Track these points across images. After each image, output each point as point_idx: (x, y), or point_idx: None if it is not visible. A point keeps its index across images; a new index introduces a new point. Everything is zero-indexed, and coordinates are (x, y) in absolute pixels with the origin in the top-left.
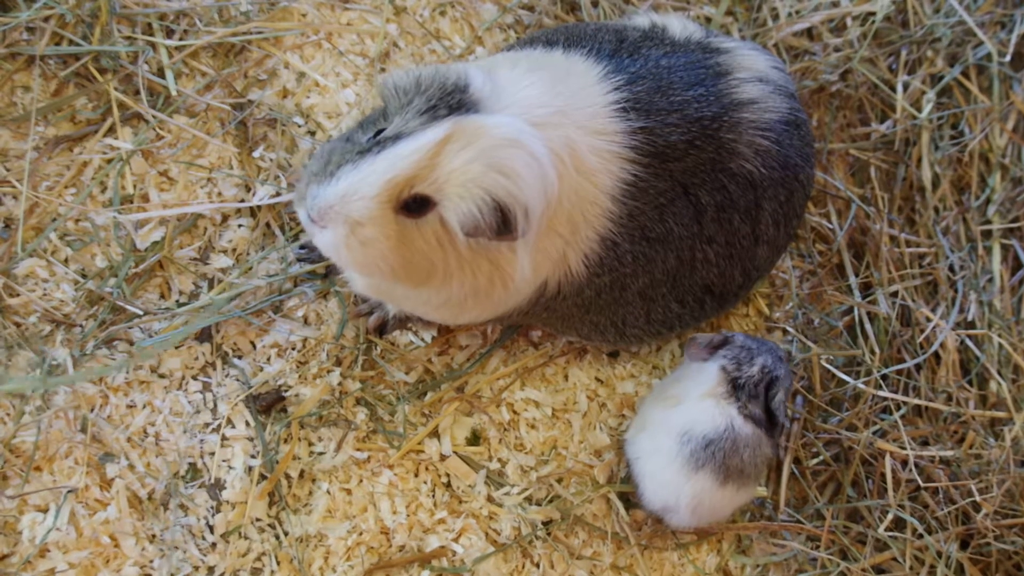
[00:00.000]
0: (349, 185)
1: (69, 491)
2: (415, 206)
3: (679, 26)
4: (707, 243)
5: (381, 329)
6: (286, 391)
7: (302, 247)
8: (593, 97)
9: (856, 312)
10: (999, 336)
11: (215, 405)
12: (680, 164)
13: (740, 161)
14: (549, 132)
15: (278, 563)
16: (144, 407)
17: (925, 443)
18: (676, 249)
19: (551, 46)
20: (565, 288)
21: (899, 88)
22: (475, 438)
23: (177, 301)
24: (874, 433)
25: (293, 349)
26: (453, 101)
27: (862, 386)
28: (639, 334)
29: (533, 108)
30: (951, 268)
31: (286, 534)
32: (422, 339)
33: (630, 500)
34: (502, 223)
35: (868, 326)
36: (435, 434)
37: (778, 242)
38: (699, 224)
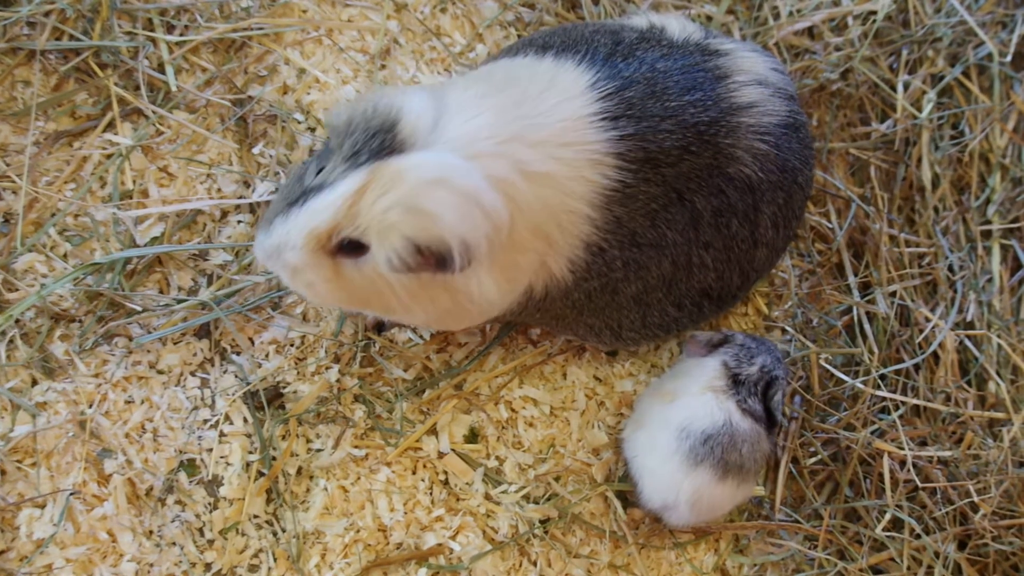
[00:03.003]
0: (280, 237)
1: (71, 494)
2: (350, 248)
3: (678, 27)
4: (704, 248)
5: (379, 326)
6: (284, 388)
7: None
8: (569, 110)
9: (855, 312)
10: (998, 337)
11: (213, 401)
12: (674, 169)
13: (738, 166)
14: (490, 161)
15: (275, 560)
16: (142, 403)
17: (923, 443)
18: (671, 255)
19: (544, 51)
20: (552, 291)
21: (900, 88)
22: (473, 436)
23: (175, 297)
24: (872, 433)
25: (291, 346)
26: (375, 144)
27: (860, 386)
28: (635, 337)
29: (475, 141)
30: (950, 268)
31: (283, 531)
32: (420, 336)
33: (628, 499)
34: (435, 261)
35: (867, 326)
36: (433, 432)
37: (777, 244)
38: (695, 229)
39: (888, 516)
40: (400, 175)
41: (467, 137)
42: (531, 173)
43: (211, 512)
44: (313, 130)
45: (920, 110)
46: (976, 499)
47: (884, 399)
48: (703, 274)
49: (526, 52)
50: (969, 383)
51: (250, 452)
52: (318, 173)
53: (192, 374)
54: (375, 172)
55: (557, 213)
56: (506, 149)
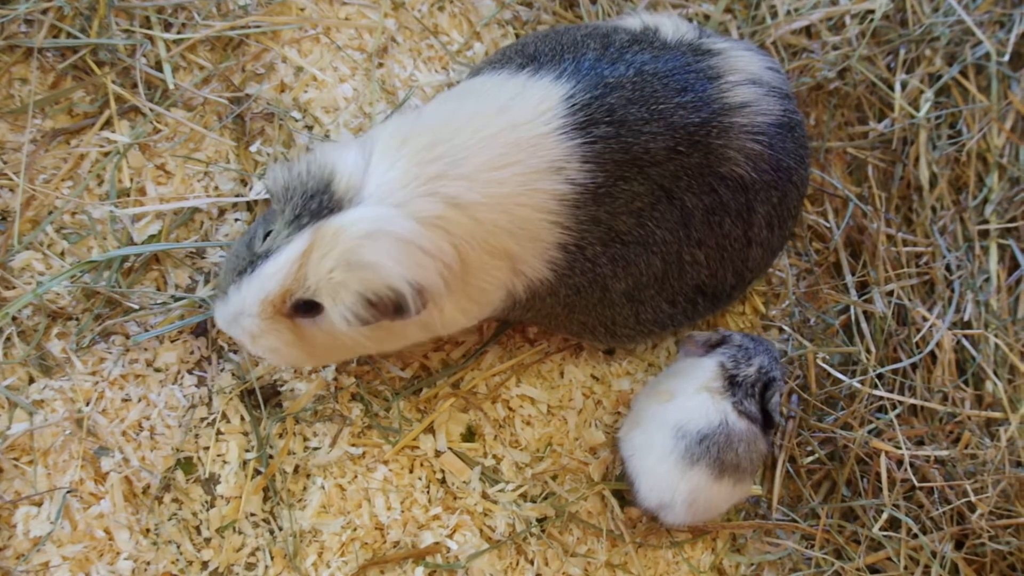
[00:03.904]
0: (235, 306)
1: (68, 492)
2: (306, 308)
3: (671, 27)
4: (696, 246)
5: None
6: (281, 386)
7: None
8: (511, 136)
9: (852, 311)
10: (995, 336)
11: (210, 399)
12: (660, 169)
13: (730, 166)
14: (417, 205)
15: (272, 558)
16: (139, 401)
17: (920, 443)
18: (661, 252)
19: (524, 66)
20: (538, 291)
21: (897, 87)
22: (470, 434)
23: (173, 295)
24: (869, 432)
25: None
26: (314, 206)
27: (858, 385)
28: (630, 334)
29: (397, 189)
30: (948, 268)
31: (280, 529)
32: None
33: (625, 498)
34: (392, 308)
35: (864, 325)
36: (430, 430)
37: (772, 243)
38: (686, 227)
39: (885, 515)
40: (339, 233)
41: (388, 187)
42: (466, 203)
43: (208, 510)
44: (310, 128)
45: (918, 109)
46: (973, 499)
47: (881, 398)
48: (696, 271)
49: (504, 66)
50: (966, 382)
51: (247, 450)
52: (265, 237)
53: (189, 372)
54: (317, 233)
55: (510, 230)
56: (432, 188)
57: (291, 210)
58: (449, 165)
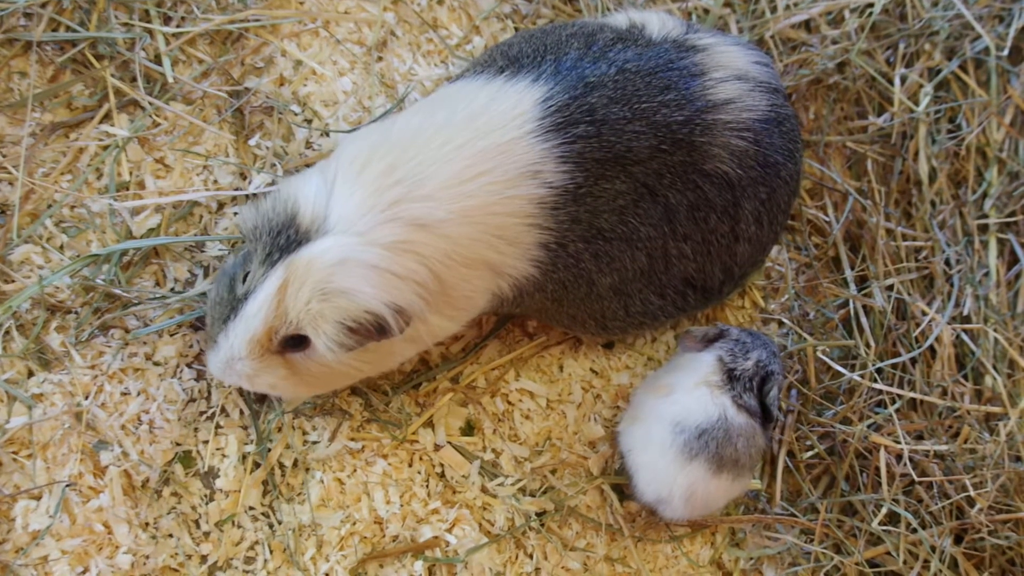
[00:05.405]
0: (226, 353)
1: (68, 486)
2: (295, 343)
3: (657, 24)
4: (682, 240)
5: None
6: None
7: None
8: (498, 136)
9: (852, 305)
10: (995, 331)
11: (209, 393)
12: (643, 167)
13: (715, 163)
14: (378, 232)
15: (271, 552)
16: (138, 395)
17: (920, 437)
18: (646, 248)
19: (509, 64)
20: (525, 287)
21: (896, 81)
22: (469, 428)
23: (172, 289)
24: (868, 427)
25: None
26: (282, 242)
27: (857, 379)
28: (621, 326)
29: (358, 217)
30: (947, 262)
31: (279, 523)
32: None
33: (624, 492)
34: (375, 330)
35: (864, 319)
36: (429, 424)
37: (762, 239)
38: (670, 223)
39: (884, 510)
40: (310, 264)
41: (350, 216)
42: (432, 223)
43: (207, 504)
44: (310, 122)
45: (917, 104)
46: (972, 493)
47: (881, 393)
48: (683, 264)
49: (485, 69)
50: (966, 377)
51: (246, 444)
52: (244, 279)
53: (188, 366)
54: (289, 267)
55: (485, 240)
56: (393, 214)
57: (263, 248)
58: (411, 187)
